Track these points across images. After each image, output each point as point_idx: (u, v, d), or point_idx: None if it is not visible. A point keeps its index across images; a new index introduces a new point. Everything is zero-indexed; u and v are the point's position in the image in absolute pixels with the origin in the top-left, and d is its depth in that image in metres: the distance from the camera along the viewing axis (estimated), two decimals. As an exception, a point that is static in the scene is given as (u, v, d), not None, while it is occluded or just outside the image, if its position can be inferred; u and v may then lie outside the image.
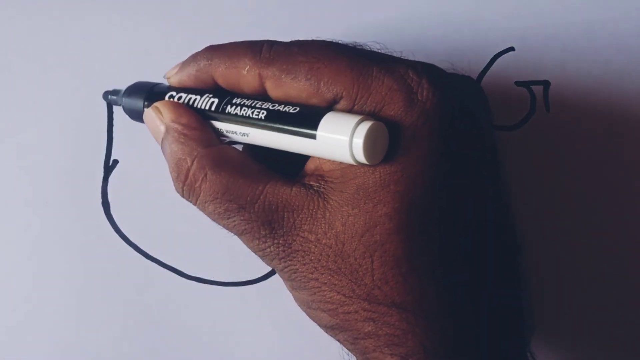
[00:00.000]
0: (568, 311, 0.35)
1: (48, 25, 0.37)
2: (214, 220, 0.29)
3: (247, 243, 0.29)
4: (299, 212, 0.28)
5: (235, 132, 0.30)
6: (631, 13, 0.36)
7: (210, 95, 0.30)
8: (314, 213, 0.27)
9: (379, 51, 0.30)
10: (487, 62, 0.36)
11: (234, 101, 0.29)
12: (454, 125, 0.27)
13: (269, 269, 0.36)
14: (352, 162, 0.26)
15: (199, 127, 0.30)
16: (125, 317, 0.37)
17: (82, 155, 0.37)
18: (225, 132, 0.30)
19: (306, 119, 0.27)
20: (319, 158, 0.28)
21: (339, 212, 0.27)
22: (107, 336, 0.37)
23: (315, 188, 0.28)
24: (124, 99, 0.33)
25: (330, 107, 0.28)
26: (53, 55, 0.37)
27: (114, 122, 0.37)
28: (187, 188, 0.30)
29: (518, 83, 0.36)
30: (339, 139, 0.26)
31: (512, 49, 0.36)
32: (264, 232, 0.28)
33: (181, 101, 0.31)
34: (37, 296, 0.37)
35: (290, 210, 0.28)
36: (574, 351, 0.35)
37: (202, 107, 0.30)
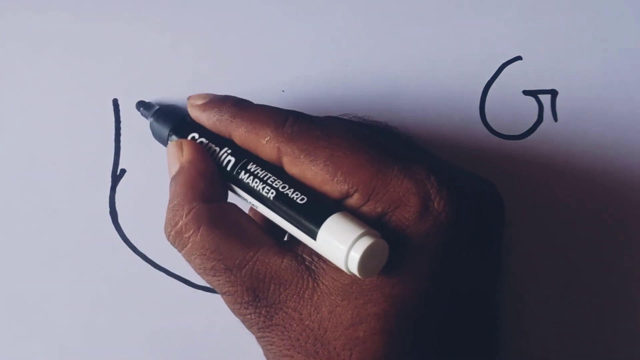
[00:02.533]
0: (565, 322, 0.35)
1: (57, 32, 0.37)
2: (198, 273, 0.29)
3: (227, 304, 0.29)
4: (286, 287, 0.27)
5: (245, 199, 0.29)
6: (639, 22, 0.36)
7: (229, 152, 0.30)
8: (301, 292, 0.27)
9: (406, 136, 0.30)
10: (494, 71, 0.36)
11: (248, 167, 0.29)
12: (463, 242, 0.27)
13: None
14: (346, 271, 0.26)
15: (209, 178, 0.30)
16: (133, 325, 0.37)
17: (90, 164, 0.37)
18: (235, 191, 0.30)
19: (311, 214, 0.27)
20: None
21: (328, 299, 0.26)
22: (114, 345, 0.37)
23: (307, 264, 0.27)
24: (151, 120, 0.34)
25: (339, 202, 0.27)
26: (61, 63, 0.37)
27: (122, 131, 0.37)
28: (175, 235, 0.29)
29: (525, 92, 0.36)
30: (338, 247, 0.25)
31: (519, 57, 0.36)
32: (247, 299, 0.28)
33: (202, 145, 0.31)
34: (44, 305, 0.37)
35: (278, 283, 0.27)
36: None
37: (218, 162, 0.30)
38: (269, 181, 0.28)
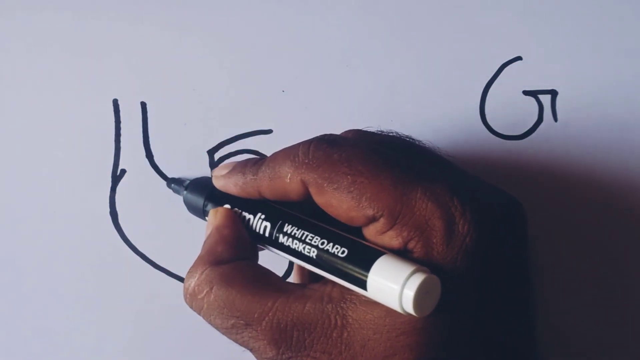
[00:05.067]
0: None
1: (57, 32, 0.37)
2: (223, 334, 0.29)
3: None
4: (311, 331, 0.26)
5: (287, 258, 0.30)
6: (639, 22, 0.36)
7: (263, 218, 0.30)
8: (329, 332, 0.26)
9: (427, 147, 0.30)
10: (494, 72, 0.36)
11: (285, 230, 0.29)
12: (490, 263, 0.27)
13: (276, 278, 0.36)
14: (401, 311, 0.25)
15: (230, 242, 0.30)
16: (133, 326, 0.37)
17: (90, 164, 0.37)
18: (277, 253, 0.30)
19: (356, 263, 0.26)
20: None
21: (359, 334, 0.26)
22: (114, 345, 0.37)
23: (335, 302, 0.27)
24: (185, 193, 0.34)
25: (380, 252, 0.26)
26: (61, 63, 0.37)
27: (122, 131, 0.37)
28: (191, 298, 0.29)
29: (526, 92, 0.36)
30: (390, 287, 0.25)
31: (519, 58, 0.36)
32: (271, 353, 0.27)
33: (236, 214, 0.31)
34: (44, 305, 0.37)
35: (301, 329, 0.27)
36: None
37: (255, 229, 0.30)
38: (307, 240, 0.28)
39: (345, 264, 0.27)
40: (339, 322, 0.26)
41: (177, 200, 0.36)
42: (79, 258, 0.37)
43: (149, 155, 0.37)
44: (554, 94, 0.36)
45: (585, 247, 0.35)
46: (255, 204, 0.31)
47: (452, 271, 0.26)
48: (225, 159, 0.37)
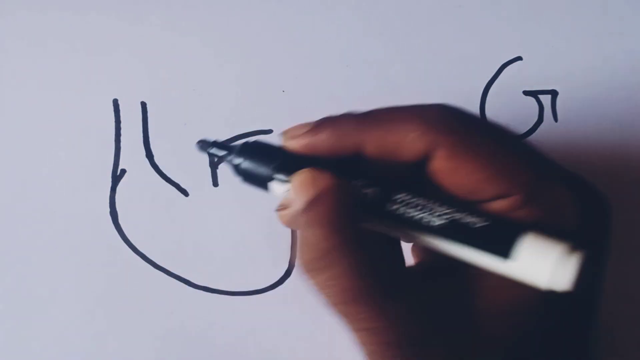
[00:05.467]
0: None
1: (57, 32, 0.37)
2: (334, 303, 0.25)
3: (362, 345, 0.26)
4: (442, 314, 0.26)
5: (397, 232, 0.26)
6: (639, 22, 0.36)
7: (366, 183, 0.25)
8: (461, 313, 0.26)
9: None
10: (494, 72, 0.36)
11: (399, 197, 0.25)
12: (608, 253, 0.28)
13: (276, 278, 0.36)
14: (550, 288, 0.24)
15: (355, 203, 0.26)
16: (132, 326, 0.37)
17: (90, 164, 0.37)
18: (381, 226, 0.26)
19: (499, 237, 0.24)
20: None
21: (488, 318, 0.26)
22: (113, 345, 0.37)
23: (465, 286, 0.26)
24: (242, 160, 0.27)
25: (523, 225, 0.25)
26: (61, 63, 0.37)
27: (122, 131, 0.37)
28: (319, 256, 0.25)
29: (526, 92, 0.36)
30: (542, 265, 0.23)
31: (519, 58, 0.36)
32: (392, 337, 0.25)
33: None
34: (44, 305, 0.37)
35: (432, 312, 0.26)
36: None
37: (361, 196, 0.25)
38: (430, 207, 0.25)
39: (484, 236, 0.24)
40: (469, 308, 0.26)
41: (177, 200, 0.36)
42: (79, 258, 0.37)
43: (149, 155, 0.37)
44: (554, 94, 0.36)
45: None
46: (349, 168, 0.26)
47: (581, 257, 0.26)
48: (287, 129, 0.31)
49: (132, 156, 0.37)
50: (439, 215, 0.25)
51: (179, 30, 0.37)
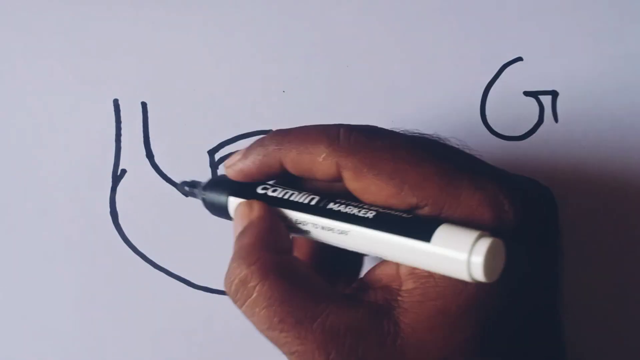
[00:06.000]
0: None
1: (57, 32, 0.37)
2: (261, 330, 0.27)
3: None
4: (365, 338, 0.25)
5: (332, 229, 0.27)
6: (639, 22, 0.36)
7: (309, 194, 0.28)
8: (382, 339, 0.25)
9: (458, 147, 0.29)
10: (495, 72, 0.36)
11: (336, 200, 0.28)
12: (534, 253, 0.27)
13: (276, 278, 0.36)
14: (467, 279, 0.24)
15: (279, 232, 0.28)
16: (133, 326, 0.37)
17: (91, 165, 0.37)
18: (321, 228, 0.28)
19: (417, 228, 0.25)
20: (396, 270, 0.27)
21: (413, 337, 0.25)
22: (114, 345, 0.37)
23: (384, 309, 0.26)
24: (205, 192, 0.31)
25: (442, 220, 0.25)
26: (62, 63, 0.37)
27: (122, 131, 0.37)
28: (239, 284, 0.27)
29: (526, 93, 0.36)
30: (455, 254, 0.24)
31: (520, 58, 0.36)
32: (319, 359, 0.25)
33: (276, 194, 0.29)
34: (44, 305, 0.37)
35: (355, 336, 0.25)
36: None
37: (301, 201, 0.28)
38: (364, 206, 0.27)
39: (409, 222, 0.25)
40: (391, 329, 0.25)
41: (177, 200, 0.36)
42: (79, 258, 0.37)
43: (149, 155, 0.37)
44: (554, 94, 0.36)
45: (585, 247, 0.35)
46: (300, 189, 0.29)
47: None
48: (225, 159, 0.36)
49: (133, 156, 0.37)
50: (371, 211, 0.26)
51: (179, 30, 0.37)
